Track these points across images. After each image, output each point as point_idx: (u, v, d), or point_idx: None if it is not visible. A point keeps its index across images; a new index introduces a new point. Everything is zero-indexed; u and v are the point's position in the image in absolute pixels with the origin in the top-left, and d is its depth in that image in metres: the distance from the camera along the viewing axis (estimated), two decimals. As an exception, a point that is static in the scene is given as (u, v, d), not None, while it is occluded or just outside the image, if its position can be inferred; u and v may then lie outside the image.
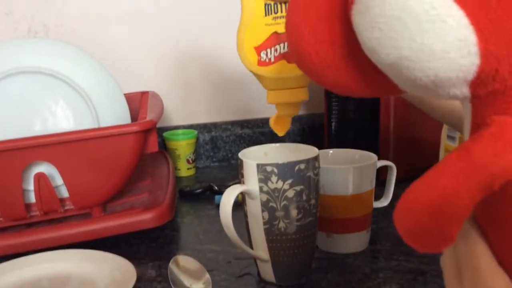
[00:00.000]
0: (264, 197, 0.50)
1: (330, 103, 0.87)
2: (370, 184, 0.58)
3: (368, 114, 0.84)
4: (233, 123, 1.00)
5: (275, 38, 0.47)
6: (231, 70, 1.00)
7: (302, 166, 0.50)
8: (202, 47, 0.98)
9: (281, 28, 0.47)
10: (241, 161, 0.52)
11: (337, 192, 0.57)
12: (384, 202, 0.63)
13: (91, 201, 0.65)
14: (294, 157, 0.55)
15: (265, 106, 1.03)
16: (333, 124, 0.87)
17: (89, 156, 0.62)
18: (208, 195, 0.83)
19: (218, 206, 0.78)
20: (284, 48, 0.47)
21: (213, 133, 0.99)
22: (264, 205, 0.51)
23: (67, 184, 0.63)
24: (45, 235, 0.62)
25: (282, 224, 0.51)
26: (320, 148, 0.93)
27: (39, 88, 0.65)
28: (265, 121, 1.01)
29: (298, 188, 0.50)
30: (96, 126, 0.67)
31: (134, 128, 0.62)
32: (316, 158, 0.52)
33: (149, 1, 0.94)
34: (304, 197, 0.51)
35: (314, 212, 0.52)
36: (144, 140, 0.65)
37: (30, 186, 0.63)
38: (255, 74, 0.50)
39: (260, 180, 0.50)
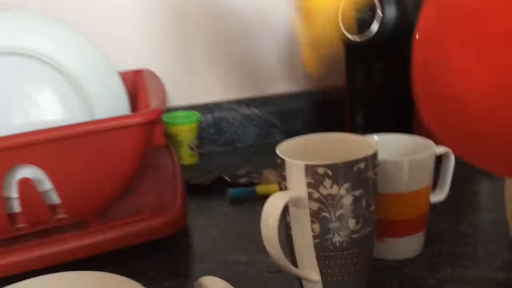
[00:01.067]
0: (315, 205, 0.40)
1: (353, 73, 0.76)
2: (428, 178, 0.49)
3: (400, 85, 0.73)
4: (238, 102, 0.89)
5: None
6: (234, 40, 0.88)
7: (362, 165, 0.40)
8: (200, 13, 0.86)
9: None
10: (283, 160, 0.41)
11: (390, 190, 0.47)
12: (439, 196, 0.53)
13: (87, 207, 0.54)
14: (344, 152, 0.45)
15: (273, 80, 0.92)
16: (357, 99, 0.77)
17: (83, 155, 0.51)
18: (219, 188, 0.72)
19: (232, 201, 0.68)
20: None
21: (216, 114, 0.88)
22: (315, 215, 0.40)
23: (58, 189, 0.52)
24: (34, 254, 0.52)
25: (337, 238, 0.41)
26: (341, 129, 0.83)
27: (16, 73, 0.53)
28: (274, 98, 0.90)
29: (357, 193, 0.40)
30: (89, 117, 0.55)
31: (137, 120, 0.51)
32: (375, 155, 0.42)
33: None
34: (364, 203, 0.41)
35: (374, 220, 0.42)
36: (149, 132, 0.54)
37: (13, 193, 0.52)
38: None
39: (310, 185, 0.40)
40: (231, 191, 0.68)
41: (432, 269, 0.48)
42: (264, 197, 0.67)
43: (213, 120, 0.88)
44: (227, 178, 0.72)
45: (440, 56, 0.25)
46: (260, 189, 0.68)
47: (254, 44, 0.89)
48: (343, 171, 0.39)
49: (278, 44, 0.90)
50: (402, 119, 0.75)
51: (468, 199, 0.62)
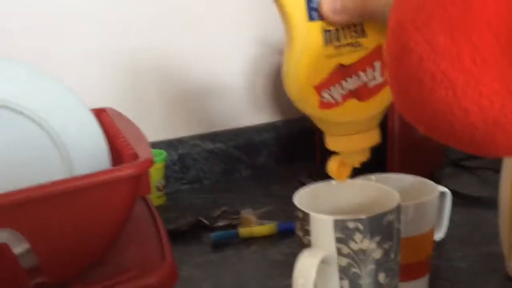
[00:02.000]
0: (344, 261, 0.38)
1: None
2: (434, 220, 0.49)
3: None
4: (202, 137, 0.86)
5: (341, 72, 0.36)
6: (193, 74, 0.85)
7: (391, 217, 0.39)
8: (158, 54, 0.82)
9: (346, 59, 0.36)
10: (307, 215, 0.39)
11: (402, 234, 0.46)
12: (439, 234, 0.53)
13: (70, 269, 0.48)
14: (357, 200, 0.44)
15: (235, 115, 0.89)
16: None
17: (66, 213, 0.45)
18: (196, 233, 0.68)
19: (215, 246, 0.64)
20: (352, 83, 0.36)
21: (180, 151, 0.84)
22: (344, 272, 0.39)
23: (36, 251, 0.46)
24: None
25: (367, 294, 0.39)
26: (312, 166, 0.82)
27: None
28: (239, 132, 0.88)
29: (386, 245, 0.39)
30: (68, 170, 0.50)
31: (129, 173, 0.46)
32: (400, 204, 0.41)
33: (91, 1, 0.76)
34: (392, 256, 0.40)
35: (398, 271, 0.41)
36: (137, 183, 0.49)
37: (-17, 262, 0.45)
38: (315, 118, 0.38)
39: (339, 240, 0.38)
40: (212, 236, 0.65)
41: (443, 312, 0.48)
42: (246, 239, 0.65)
43: (178, 157, 0.83)
44: (205, 222, 0.68)
45: (426, 39, 0.24)
46: (242, 231, 0.65)
47: (215, 77, 0.87)
48: (374, 225, 0.38)
49: (243, 76, 0.89)
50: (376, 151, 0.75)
51: (451, 232, 0.63)
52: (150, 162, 0.48)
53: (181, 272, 0.58)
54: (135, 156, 0.50)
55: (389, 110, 0.76)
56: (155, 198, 0.77)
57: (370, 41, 0.36)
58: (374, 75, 0.36)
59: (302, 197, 0.43)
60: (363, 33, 0.36)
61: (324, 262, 0.39)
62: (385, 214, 0.38)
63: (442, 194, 0.52)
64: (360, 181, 0.45)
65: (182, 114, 0.85)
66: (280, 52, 0.90)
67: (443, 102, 0.25)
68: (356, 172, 0.46)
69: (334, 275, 0.39)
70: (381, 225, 0.38)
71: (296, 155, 0.90)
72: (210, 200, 0.79)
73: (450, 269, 0.55)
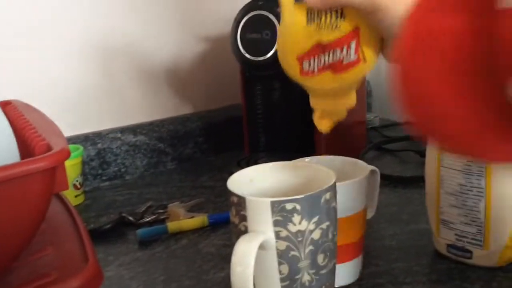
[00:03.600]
0: (283, 245, 0.37)
1: (251, 94, 0.74)
2: (365, 200, 0.49)
3: (299, 104, 0.74)
4: (123, 130, 0.81)
5: (319, 47, 0.41)
6: (114, 65, 0.80)
7: (328, 196, 0.38)
8: (72, 37, 0.76)
9: (325, 37, 0.41)
10: (242, 199, 0.37)
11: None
12: (370, 214, 0.53)
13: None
14: (292, 182, 0.42)
15: (158, 106, 0.85)
16: (257, 119, 0.75)
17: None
18: (120, 230, 0.64)
19: (141, 243, 0.60)
20: (329, 58, 0.41)
21: (99, 145, 0.78)
22: (283, 256, 0.37)
23: None
24: None
25: (306, 277, 0.38)
26: (240, 155, 0.81)
27: None
28: (161, 123, 0.84)
29: (324, 225, 0.38)
30: (-31, 165, 0.44)
31: (42, 165, 0.42)
32: (335, 182, 0.40)
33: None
34: (330, 235, 0.38)
35: (336, 251, 0.40)
36: (53, 178, 0.44)
37: None
38: (298, 83, 0.44)
39: (277, 223, 0.36)
40: (138, 232, 0.61)
41: (379, 291, 0.48)
42: (176, 234, 0.62)
43: (97, 153, 0.78)
44: (130, 218, 0.64)
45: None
46: (171, 225, 0.62)
47: (141, 64, 0.82)
48: (311, 204, 0.37)
49: (166, 65, 0.85)
50: (304, 137, 0.75)
51: (379, 211, 0.64)
52: (66, 154, 0.43)
53: (107, 273, 0.54)
54: (48, 148, 0.45)
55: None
56: (73, 198, 0.72)
57: (348, 24, 0.40)
58: (350, 53, 0.40)
59: (236, 182, 0.40)
60: (342, 16, 0.40)
61: (261, 247, 0.37)
62: (322, 192, 0.37)
63: (372, 173, 0.53)
64: (294, 162, 0.44)
65: (98, 107, 0.80)
66: (206, 41, 0.87)
67: None
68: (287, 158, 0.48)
69: (273, 260, 0.37)
70: (319, 205, 0.37)
71: (223, 145, 0.88)
72: (134, 196, 0.74)
73: (381, 248, 0.55)
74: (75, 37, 0.76)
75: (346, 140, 0.80)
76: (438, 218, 0.52)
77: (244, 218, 0.37)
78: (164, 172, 0.83)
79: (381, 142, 0.89)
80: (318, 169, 0.42)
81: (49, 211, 0.60)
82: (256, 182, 0.42)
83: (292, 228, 0.36)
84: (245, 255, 0.34)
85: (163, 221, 0.64)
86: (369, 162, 0.80)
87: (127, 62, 0.81)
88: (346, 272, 0.48)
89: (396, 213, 0.63)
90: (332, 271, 0.40)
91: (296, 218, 0.36)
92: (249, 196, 0.37)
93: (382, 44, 0.41)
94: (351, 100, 0.44)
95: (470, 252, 0.50)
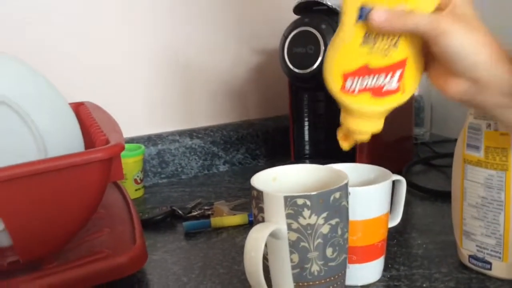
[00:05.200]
0: (294, 236, 0.41)
1: (298, 104, 0.79)
2: (387, 205, 0.52)
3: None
4: (181, 133, 0.89)
5: (366, 69, 0.43)
6: (176, 74, 0.88)
7: (337, 195, 0.42)
8: (140, 47, 0.85)
9: (374, 62, 0.43)
10: (260, 192, 0.42)
11: (356, 217, 0.50)
12: (394, 221, 0.56)
13: (42, 249, 0.51)
14: (312, 181, 0.47)
15: (214, 112, 0.92)
16: (303, 128, 0.80)
17: (41, 194, 0.48)
18: (170, 222, 0.71)
19: (187, 234, 0.67)
20: (372, 82, 0.43)
21: (159, 146, 0.87)
22: (294, 246, 0.41)
23: (10, 230, 0.48)
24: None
25: (315, 267, 0.42)
26: (284, 159, 0.85)
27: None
28: (216, 129, 0.91)
29: (333, 221, 0.42)
30: (42, 153, 0.53)
31: (99, 156, 0.49)
32: (347, 184, 0.44)
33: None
34: (340, 232, 0.43)
35: (347, 247, 0.44)
36: (109, 168, 0.52)
37: (-41, 238, 0.48)
38: (335, 97, 0.45)
39: (289, 216, 0.41)
40: (185, 224, 0.68)
41: (395, 291, 0.51)
42: (218, 229, 0.68)
43: (157, 153, 0.86)
44: (179, 211, 0.71)
45: None
46: (214, 221, 0.68)
47: (194, 81, 0.90)
48: (321, 201, 0.41)
49: (223, 76, 0.92)
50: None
51: (412, 222, 0.67)
52: (120, 147, 0.51)
53: (154, 256, 0.61)
54: (107, 142, 0.53)
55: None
56: (133, 191, 0.80)
57: (399, 54, 0.42)
58: (391, 81, 0.42)
59: (260, 179, 0.46)
60: (395, 46, 0.42)
61: (275, 237, 0.42)
62: (331, 191, 0.41)
63: (398, 182, 0.56)
64: (314, 165, 0.48)
65: (162, 111, 0.88)
66: (260, 54, 0.93)
67: None
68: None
69: (285, 249, 0.42)
70: (328, 202, 0.41)
71: (272, 151, 0.93)
72: (186, 193, 0.81)
73: (406, 254, 0.58)
74: (145, 49, 0.85)
75: (390, 152, 0.83)
76: (461, 229, 0.54)
77: (261, 210, 0.42)
78: (216, 174, 0.90)
79: (428, 157, 0.90)
80: (335, 171, 0.46)
81: (109, 200, 0.69)
82: (279, 181, 0.47)
83: (303, 221, 0.41)
84: (257, 241, 0.39)
85: (208, 216, 0.70)
86: (413, 175, 0.83)
87: (189, 73, 0.89)
88: (365, 272, 0.52)
89: (429, 225, 0.65)
90: (342, 265, 0.44)
91: (306, 212, 0.41)
92: (266, 190, 0.42)
93: (421, 76, 0.43)
94: (378, 126, 0.45)
95: (490, 263, 0.51)
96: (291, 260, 0.42)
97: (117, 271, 0.52)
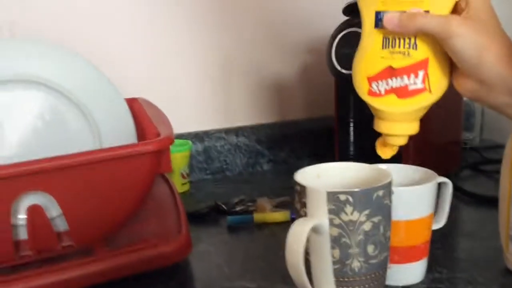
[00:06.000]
0: (335, 231, 0.42)
1: (343, 104, 0.79)
2: (432, 206, 0.52)
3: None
4: (227, 131, 0.90)
5: (389, 71, 0.44)
6: (223, 73, 0.90)
7: (381, 193, 0.42)
8: (190, 47, 0.88)
9: (396, 63, 0.44)
10: (303, 187, 0.43)
11: (397, 217, 0.50)
12: (439, 224, 0.56)
13: (95, 234, 0.54)
14: (355, 180, 0.47)
15: (259, 111, 0.94)
16: (349, 129, 0.80)
17: (95, 182, 0.51)
18: (214, 216, 0.73)
19: (230, 228, 0.69)
20: (396, 83, 0.44)
21: (206, 143, 0.89)
22: (335, 241, 0.42)
23: (66, 216, 0.51)
24: (38, 282, 0.50)
25: (356, 264, 0.42)
26: (328, 159, 0.86)
27: (25, 99, 0.53)
28: (261, 128, 0.92)
29: (376, 219, 0.42)
30: (98, 143, 0.56)
31: (150, 148, 0.52)
32: (391, 183, 0.44)
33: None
34: (381, 230, 0.43)
35: (388, 246, 0.45)
36: (158, 160, 0.54)
37: (21, 220, 0.51)
38: (365, 101, 0.47)
39: (331, 211, 0.42)
40: (229, 218, 0.69)
41: (437, 294, 0.50)
42: (260, 224, 0.69)
43: (203, 149, 0.89)
44: (223, 206, 0.73)
45: None
46: (257, 216, 0.69)
47: (250, 76, 0.92)
48: (363, 198, 0.41)
49: (272, 77, 0.93)
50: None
51: (459, 226, 0.66)
52: (170, 140, 0.53)
53: (198, 248, 0.63)
54: (158, 135, 0.55)
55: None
56: (180, 185, 0.82)
57: (419, 53, 0.43)
58: (416, 81, 0.43)
59: (304, 175, 0.47)
60: (415, 46, 0.43)
61: (317, 232, 0.43)
62: (374, 189, 0.42)
63: (444, 185, 0.55)
64: (358, 163, 0.49)
65: (210, 108, 0.91)
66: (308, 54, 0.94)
67: None
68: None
69: (327, 244, 0.42)
70: (371, 199, 0.42)
71: (316, 151, 0.94)
72: (231, 189, 0.83)
73: (450, 258, 0.57)
74: (195, 48, 0.88)
75: (436, 156, 0.82)
76: (507, 233, 0.53)
77: (304, 205, 0.43)
78: (260, 172, 0.91)
79: (477, 162, 0.88)
80: (379, 170, 0.47)
81: (158, 192, 0.71)
82: (323, 178, 0.48)
83: (345, 217, 0.41)
84: (299, 234, 0.40)
85: (251, 212, 0.72)
86: (461, 180, 0.82)
87: (240, 75, 0.91)
88: (407, 273, 0.52)
89: (476, 230, 0.64)
90: (384, 263, 0.44)
91: (348, 208, 0.41)
92: (309, 186, 0.43)
93: (451, 76, 0.44)
94: (413, 128, 0.46)
95: (537, 270, 0.50)
96: (332, 256, 0.42)
97: (163, 259, 0.54)
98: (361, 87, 0.46)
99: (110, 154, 0.50)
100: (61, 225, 0.53)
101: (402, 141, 0.47)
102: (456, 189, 0.75)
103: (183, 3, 0.86)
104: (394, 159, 0.76)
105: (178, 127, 0.88)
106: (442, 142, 0.83)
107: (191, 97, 0.89)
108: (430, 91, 0.43)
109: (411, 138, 0.80)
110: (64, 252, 0.54)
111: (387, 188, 0.43)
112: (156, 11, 0.85)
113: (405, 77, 0.44)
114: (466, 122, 1.00)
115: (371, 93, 0.46)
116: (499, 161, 0.90)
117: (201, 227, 0.70)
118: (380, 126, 0.47)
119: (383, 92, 0.45)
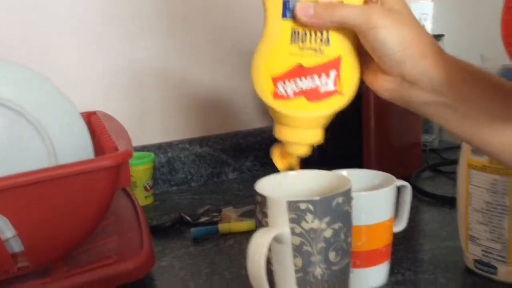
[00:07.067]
0: (297, 240, 0.42)
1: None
2: (392, 210, 0.52)
3: (349, 122, 0.78)
4: (191, 141, 0.90)
5: (298, 70, 0.39)
6: (188, 83, 0.90)
7: (340, 200, 0.42)
8: (156, 64, 0.87)
9: (306, 61, 0.39)
10: (264, 198, 0.43)
11: (360, 222, 0.50)
12: (400, 226, 0.57)
13: (52, 254, 0.52)
14: (317, 187, 0.47)
15: (222, 121, 0.93)
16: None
17: (51, 201, 0.49)
18: (179, 228, 0.72)
19: (195, 240, 0.68)
20: (306, 84, 0.39)
21: (169, 154, 0.88)
22: (297, 250, 0.42)
23: (21, 237, 0.49)
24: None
25: (318, 271, 0.42)
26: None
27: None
28: (225, 137, 0.92)
29: (336, 226, 0.42)
30: (53, 160, 0.54)
31: (107, 163, 0.50)
32: (350, 189, 0.44)
33: (96, 16, 0.81)
34: (342, 236, 0.43)
35: (350, 251, 0.45)
36: (117, 175, 0.53)
37: (-28, 243, 0.49)
38: (267, 106, 0.41)
39: (292, 220, 0.41)
40: (193, 230, 0.68)
41: (400, 297, 0.51)
42: (226, 235, 0.68)
43: (167, 160, 0.87)
44: (187, 218, 0.72)
45: None
46: (222, 227, 0.69)
47: (205, 92, 0.91)
48: (323, 206, 0.41)
49: (230, 85, 0.93)
50: (354, 155, 0.79)
51: (420, 227, 0.67)
52: (128, 154, 0.52)
53: (161, 263, 0.62)
54: (116, 149, 0.54)
55: (365, 113, 0.81)
56: (143, 198, 0.81)
57: (331, 51, 0.39)
58: (327, 82, 0.39)
59: (264, 185, 0.46)
60: (327, 43, 0.39)
61: (279, 241, 0.42)
62: (334, 196, 0.42)
63: (403, 188, 0.56)
64: (319, 170, 0.49)
65: (174, 121, 0.90)
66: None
67: None
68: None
69: (289, 253, 0.42)
70: (330, 207, 0.42)
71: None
72: (196, 200, 0.82)
73: (412, 260, 0.58)
74: (154, 60, 0.87)
75: (398, 159, 0.83)
76: (466, 234, 0.54)
77: (265, 215, 0.43)
78: (225, 181, 0.90)
79: (436, 164, 0.90)
80: (339, 177, 0.47)
81: (119, 207, 0.70)
82: (284, 186, 0.48)
83: (306, 226, 0.41)
84: (260, 245, 0.40)
85: (216, 223, 0.71)
86: (422, 182, 0.83)
87: (197, 88, 0.90)
88: (370, 276, 0.52)
89: (437, 230, 0.65)
90: (346, 269, 0.44)
91: (309, 217, 0.41)
92: (269, 196, 0.42)
93: (362, 75, 0.40)
94: (318, 136, 0.42)
95: (495, 268, 0.51)
96: (295, 264, 0.42)
97: (125, 276, 0.53)
98: (264, 89, 0.40)
99: (65, 171, 0.49)
100: (16, 246, 0.51)
101: (304, 150, 0.43)
102: (417, 190, 0.77)
103: (139, 16, 0.85)
104: (355, 164, 0.78)
105: (142, 139, 0.87)
106: (403, 145, 0.84)
107: (154, 110, 0.88)
108: (341, 93, 0.39)
109: (374, 141, 0.82)
110: (20, 273, 0.52)
111: (347, 194, 0.43)
112: (113, 22, 0.83)
113: (316, 77, 0.39)
114: (425, 125, 1.02)
115: (276, 95, 0.40)
116: (457, 162, 0.93)
117: (165, 240, 0.68)
118: (284, 133, 0.41)
119: (291, 94, 0.39)
